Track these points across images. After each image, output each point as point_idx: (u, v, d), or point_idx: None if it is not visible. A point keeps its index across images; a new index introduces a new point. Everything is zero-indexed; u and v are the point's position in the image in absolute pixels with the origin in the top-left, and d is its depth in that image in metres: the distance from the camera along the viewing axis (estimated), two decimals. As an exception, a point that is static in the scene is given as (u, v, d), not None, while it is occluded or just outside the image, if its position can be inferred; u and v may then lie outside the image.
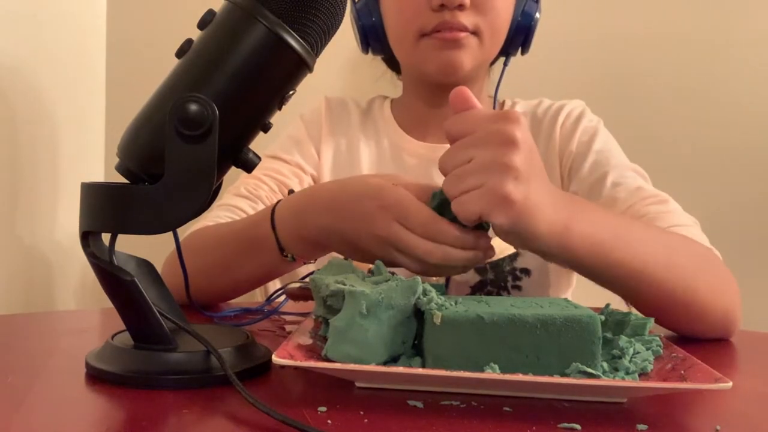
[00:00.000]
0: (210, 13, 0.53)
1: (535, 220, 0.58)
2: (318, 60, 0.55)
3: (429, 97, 0.99)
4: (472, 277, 0.93)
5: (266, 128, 0.56)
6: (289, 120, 1.05)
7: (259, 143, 0.56)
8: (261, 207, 0.93)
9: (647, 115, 1.27)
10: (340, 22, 0.54)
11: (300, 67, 0.53)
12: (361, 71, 1.18)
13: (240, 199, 0.93)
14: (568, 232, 0.60)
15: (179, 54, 0.53)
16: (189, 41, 0.53)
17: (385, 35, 0.96)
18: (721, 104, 1.28)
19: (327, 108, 1.05)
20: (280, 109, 0.55)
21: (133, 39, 1.35)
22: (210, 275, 0.79)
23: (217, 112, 0.49)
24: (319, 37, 0.53)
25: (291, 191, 0.82)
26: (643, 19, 1.30)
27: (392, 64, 1.06)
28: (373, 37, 0.97)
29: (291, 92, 0.54)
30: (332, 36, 0.55)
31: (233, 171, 0.56)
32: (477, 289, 0.93)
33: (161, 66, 0.55)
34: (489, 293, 0.93)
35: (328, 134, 1.03)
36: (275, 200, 0.94)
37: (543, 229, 0.59)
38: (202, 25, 0.53)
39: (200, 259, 0.78)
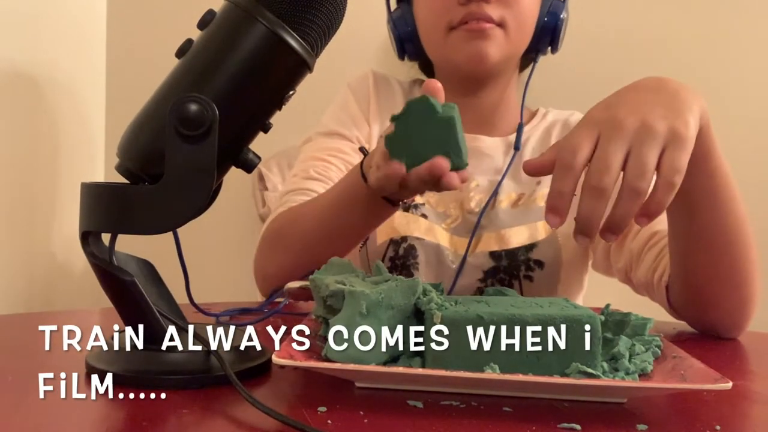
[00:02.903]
0: (210, 13, 0.53)
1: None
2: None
3: (460, 89, 1.00)
4: (486, 262, 0.94)
5: (266, 128, 0.56)
6: (295, 114, 1.04)
7: (259, 143, 0.56)
8: None
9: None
10: (341, 21, 0.54)
11: (300, 67, 0.53)
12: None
13: (312, 182, 0.94)
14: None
15: (179, 54, 0.53)
16: (189, 41, 0.53)
17: (419, 41, 1.00)
18: (727, 105, 1.28)
19: (374, 83, 1.05)
20: (280, 109, 0.55)
21: (133, 39, 1.35)
22: (316, 247, 0.81)
23: (217, 112, 0.49)
24: (319, 37, 0.53)
25: (362, 149, 0.83)
26: (665, 26, 1.30)
27: (426, 68, 1.08)
28: (408, 43, 1.01)
29: (291, 92, 0.54)
30: (332, 36, 0.55)
31: (236, 171, 0.56)
32: (490, 275, 0.93)
33: (161, 66, 0.55)
34: (501, 280, 0.94)
35: (376, 111, 1.03)
36: None
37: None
38: (202, 25, 0.53)
39: (303, 240, 0.82)
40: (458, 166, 0.60)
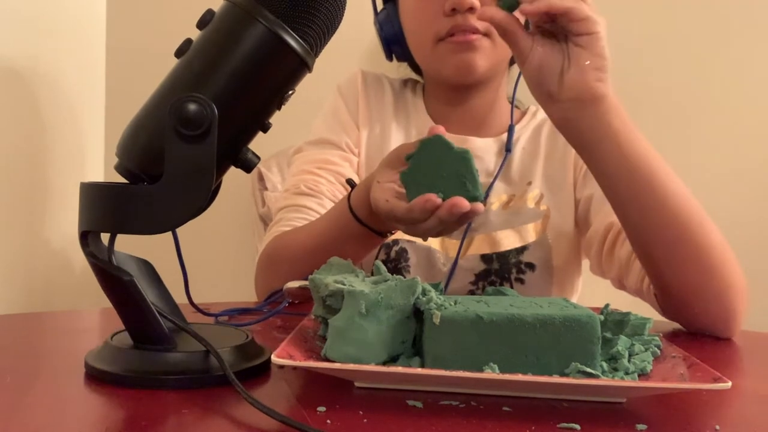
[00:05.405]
0: (209, 13, 0.53)
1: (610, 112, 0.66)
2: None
3: (448, 97, 1.01)
4: (477, 264, 0.94)
5: (265, 128, 0.56)
6: (297, 113, 1.04)
7: (259, 143, 0.56)
8: (326, 202, 0.95)
9: (660, 119, 1.27)
10: (340, 21, 0.54)
11: (299, 67, 0.53)
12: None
13: (304, 198, 0.95)
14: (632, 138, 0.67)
15: (178, 54, 0.53)
16: (188, 41, 0.53)
17: (406, 43, 0.99)
18: (726, 104, 1.28)
19: (363, 82, 1.05)
20: (279, 109, 0.55)
21: (133, 39, 1.36)
22: (305, 274, 0.83)
23: (217, 111, 0.49)
24: (319, 37, 0.53)
25: (350, 181, 0.86)
26: (658, 22, 1.30)
27: (416, 68, 1.08)
28: (395, 46, 1.01)
29: (290, 92, 0.54)
30: (332, 36, 0.55)
31: (236, 171, 0.56)
32: (481, 278, 0.94)
33: (161, 66, 0.55)
34: (492, 283, 0.94)
35: (366, 113, 1.04)
36: (336, 192, 0.97)
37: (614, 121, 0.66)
38: (201, 25, 0.53)
39: (292, 266, 0.83)
40: (475, 197, 0.63)
